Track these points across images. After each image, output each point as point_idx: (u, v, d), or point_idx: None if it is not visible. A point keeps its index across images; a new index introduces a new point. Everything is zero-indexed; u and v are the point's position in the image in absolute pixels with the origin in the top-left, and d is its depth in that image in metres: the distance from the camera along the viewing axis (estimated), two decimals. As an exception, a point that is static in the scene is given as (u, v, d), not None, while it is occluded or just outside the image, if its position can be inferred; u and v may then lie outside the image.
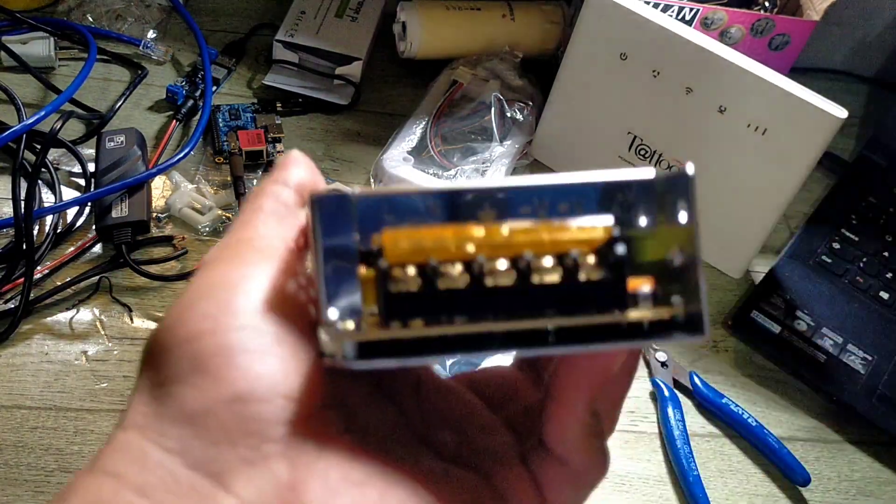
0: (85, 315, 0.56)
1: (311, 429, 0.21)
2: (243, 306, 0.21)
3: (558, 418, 0.24)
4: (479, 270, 0.20)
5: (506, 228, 0.21)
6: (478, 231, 0.21)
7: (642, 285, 0.21)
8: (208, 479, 0.20)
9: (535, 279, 0.21)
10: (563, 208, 0.22)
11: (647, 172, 0.22)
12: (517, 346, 0.21)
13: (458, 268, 0.21)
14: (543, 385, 0.26)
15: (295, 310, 0.22)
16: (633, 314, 0.21)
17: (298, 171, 0.25)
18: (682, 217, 0.21)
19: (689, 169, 0.21)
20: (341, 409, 0.23)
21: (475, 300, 0.20)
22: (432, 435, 0.25)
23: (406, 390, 0.26)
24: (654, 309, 0.21)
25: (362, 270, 0.21)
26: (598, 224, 0.21)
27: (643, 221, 0.22)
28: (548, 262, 0.21)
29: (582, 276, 0.21)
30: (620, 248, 0.21)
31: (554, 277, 0.21)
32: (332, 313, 0.20)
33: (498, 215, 0.21)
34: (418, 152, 0.69)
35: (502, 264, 0.21)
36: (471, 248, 0.21)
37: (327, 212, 0.21)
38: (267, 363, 0.20)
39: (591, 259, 0.21)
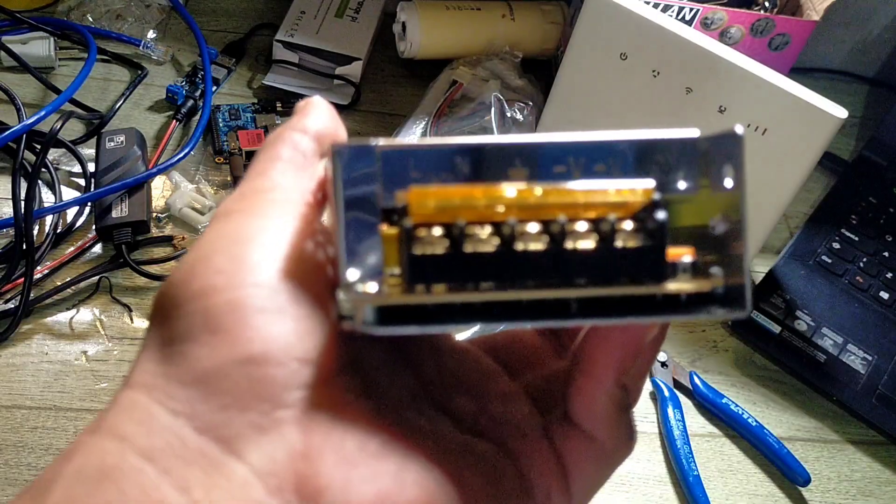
0: (85, 315, 0.56)
1: (327, 395, 0.20)
2: (259, 261, 0.20)
3: (587, 391, 0.22)
4: (509, 233, 0.19)
5: (539, 189, 0.19)
6: (509, 191, 0.19)
7: (683, 255, 0.20)
8: (217, 445, 0.19)
9: (569, 245, 0.19)
10: (600, 168, 0.20)
11: (690, 132, 0.20)
12: (547, 317, 0.19)
13: (486, 230, 0.19)
14: (568, 354, 0.26)
15: (312, 269, 0.21)
16: (672, 286, 0.19)
17: (319, 117, 0.24)
18: (728, 182, 0.19)
19: (739, 129, 0.19)
20: (358, 374, 0.21)
21: (504, 265, 0.19)
22: (451, 401, 0.24)
23: (424, 354, 0.24)
24: (694, 281, 0.20)
25: (385, 229, 0.19)
26: (637, 187, 0.20)
27: (683, 185, 0.20)
28: (582, 226, 0.19)
29: (618, 243, 0.19)
30: (661, 214, 0.19)
31: (588, 244, 0.19)
32: (352, 274, 0.19)
33: (530, 173, 0.20)
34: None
35: (534, 227, 0.19)
36: (501, 209, 0.19)
37: (349, 164, 0.19)
38: (282, 324, 0.19)
39: (629, 225, 0.19)
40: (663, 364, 0.61)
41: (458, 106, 0.73)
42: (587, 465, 0.23)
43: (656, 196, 0.20)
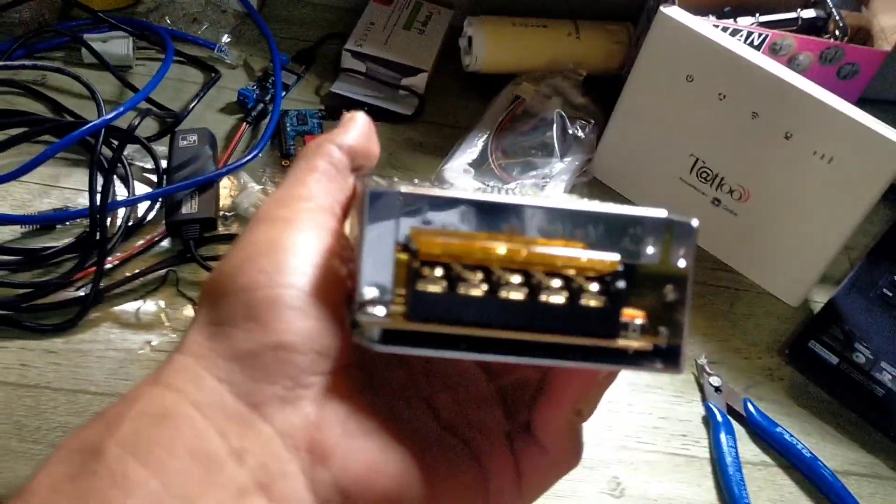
0: (151, 306, 0.58)
1: (337, 382, 0.24)
2: (294, 268, 0.24)
3: (548, 413, 0.27)
4: (496, 282, 0.23)
5: (525, 251, 0.23)
6: (501, 249, 0.23)
7: (636, 317, 0.24)
8: (250, 408, 0.23)
9: (543, 297, 0.23)
10: (580, 231, 0.24)
11: (658, 212, 0.24)
12: (521, 354, 0.24)
13: (478, 275, 0.23)
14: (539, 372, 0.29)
15: (334, 280, 0.25)
16: (622, 342, 0.24)
17: (356, 133, 0.28)
18: (681, 263, 0.24)
19: (694, 223, 0.24)
20: (361, 368, 0.26)
21: (490, 308, 0.23)
22: (435, 397, 0.28)
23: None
24: (640, 340, 0.24)
25: (399, 255, 0.23)
26: (605, 258, 0.24)
27: (649, 251, 0.24)
28: (556, 283, 0.23)
29: (583, 301, 0.23)
30: (621, 283, 0.24)
31: (559, 298, 0.23)
32: (366, 299, 0.23)
33: (521, 228, 0.24)
34: (479, 165, 0.70)
35: (517, 278, 0.23)
36: (493, 262, 0.23)
37: (378, 206, 0.23)
38: (307, 321, 0.24)
39: (595, 286, 0.24)
40: (717, 389, 0.60)
41: (520, 121, 0.73)
42: (538, 473, 0.28)
43: (620, 267, 0.24)
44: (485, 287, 0.23)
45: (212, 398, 0.23)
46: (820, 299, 0.68)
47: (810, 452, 0.57)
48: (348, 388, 0.25)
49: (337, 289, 0.25)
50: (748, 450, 0.58)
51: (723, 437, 0.57)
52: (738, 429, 0.59)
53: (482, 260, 0.23)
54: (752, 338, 0.65)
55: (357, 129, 0.28)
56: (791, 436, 0.58)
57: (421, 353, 0.23)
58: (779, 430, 0.58)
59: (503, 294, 0.23)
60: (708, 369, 0.61)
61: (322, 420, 0.23)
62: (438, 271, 0.23)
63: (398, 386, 0.27)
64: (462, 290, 0.23)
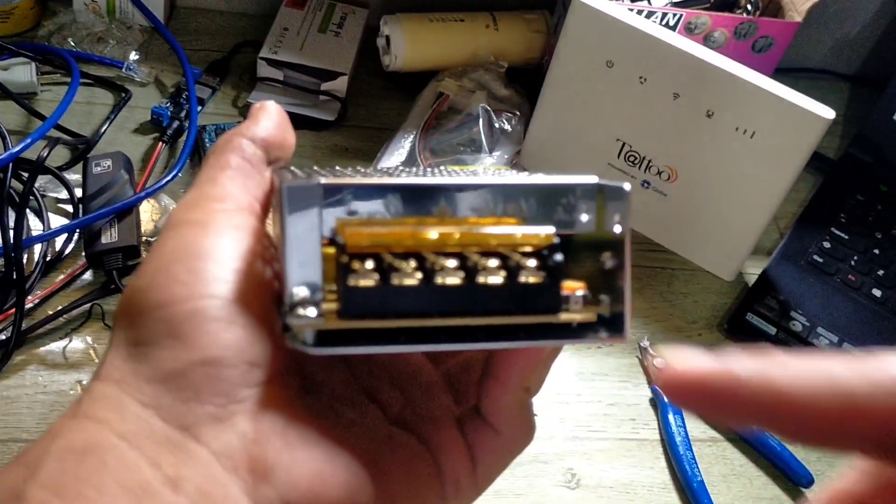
0: (78, 343, 0.55)
1: (273, 392, 0.23)
2: (215, 276, 0.23)
3: (496, 394, 0.26)
4: (430, 268, 0.22)
5: (457, 233, 0.23)
6: (432, 234, 0.23)
7: (576, 289, 0.23)
8: (181, 431, 0.22)
9: (481, 279, 0.22)
10: (512, 206, 0.24)
11: (589, 178, 0.24)
12: (464, 341, 0.23)
13: (411, 264, 0.22)
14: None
15: (259, 284, 0.23)
16: (564, 316, 0.23)
17: (267, 123, 0.27)
18: (617, 228, 0.23)
19: (627, 186, 0.23)
20: (299, 372, 0.24)
21: (427, 296, 0.22)
22: (379, 393, 0.27)
23: None
24: (583, 312, 0.23)
25: (325, 259, 0.22)
26: (540, 232, 0.23)
27: (584, 219, 0.24)
28: (493, 262, 0.23)
29: (522, 279, 0.23)
30: (558, 256, 0.23)
31: (497, 279, 0.23)
32: (295, 300, 0.22)
33: (452, 209, 0.23)
34: (408, 166, 0.69)
35: (452, 262, 0.22)
36: (426, 247, 0.23)
37: (297, 201, 0.22)
38: (234, 332, 0.22)
39: (532, 262, 0.23)
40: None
41: (446, 118, 0.73)
42: (493, 455, 0.27)
43: (556, 240, 0.23)
44: (419, 275, 0.22)
45: (138, 425, 0.21)
46: (754, 271, 0.69)
47: (756, 424, 0.58)
48: (285, 397, 0.23)
49: (263, 293, 0.23)
50: (696, 427, 0.59)
51: (671, 417, 0.58)
52: (686, 408, 0.60)
53: (414, 247, 0.22)
54: (692, 316, 0.66)
55: (269, 118, 0.27)
56: (737, 409, 0.59)
57: (359, 351, 0.22)
58: (724, 404, 0.59)
59: (439, 280, 0.22)
60: (651, 351, 0.62)
61: (260, 435, 0.22)
62: (369, 264, 0.22)
63: (340, 386, 0.26)
64: (396, 280, 0.22)
